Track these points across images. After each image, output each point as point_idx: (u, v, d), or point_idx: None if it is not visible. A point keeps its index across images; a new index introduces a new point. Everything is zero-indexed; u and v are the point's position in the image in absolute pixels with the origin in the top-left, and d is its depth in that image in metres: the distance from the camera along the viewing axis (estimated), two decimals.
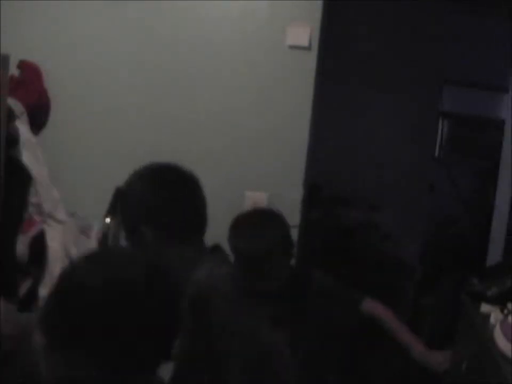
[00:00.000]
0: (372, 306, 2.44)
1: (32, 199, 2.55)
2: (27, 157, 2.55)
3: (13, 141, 2.46)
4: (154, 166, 1.89)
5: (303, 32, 2.90)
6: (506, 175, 2.93)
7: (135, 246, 1.79)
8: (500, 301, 2.24)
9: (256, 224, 2.37)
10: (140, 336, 1.22)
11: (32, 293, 2.47)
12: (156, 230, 1.74)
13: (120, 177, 3.08)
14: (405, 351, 2.37)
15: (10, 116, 2.46)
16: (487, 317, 2.22)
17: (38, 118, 2.83)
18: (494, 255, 2.93)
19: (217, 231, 3.07)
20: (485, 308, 2.30)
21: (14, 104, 2.61)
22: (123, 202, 1.88)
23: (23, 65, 2.85)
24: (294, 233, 2.71)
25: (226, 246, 3.07)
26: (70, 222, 2.54)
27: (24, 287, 2.53)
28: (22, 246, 2.39)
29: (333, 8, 3.03)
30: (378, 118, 4.59)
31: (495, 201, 3.02)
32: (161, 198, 1.77)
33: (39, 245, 2.50)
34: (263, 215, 2.44)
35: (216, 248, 1.93)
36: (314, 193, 3.94)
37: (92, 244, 2.60)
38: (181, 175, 1.88)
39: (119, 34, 3.02)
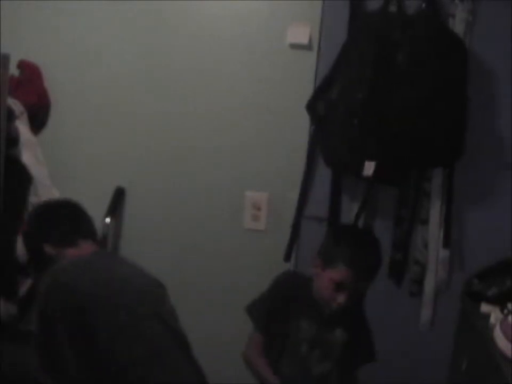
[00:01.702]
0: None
1: (32, 199, 2.55)
2: (27, 157, 2.55)
3: (13, 141, 2.46)
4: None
5: (304, 31, 2.89)
6: None
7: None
8: (500, 301, 2.24)
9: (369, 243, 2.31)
10: None
11: (32, 293, 2.47)
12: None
13: (120, 177, 3.11)
14: None
15: (10, 115, 2.46)
16: (487, 317, 2.22)
17: (38, 118, 2.84)
18: None
19: (217, 231, 3.09)
20: (485, 308, 2.30)
21: (14, 104, 2.61)
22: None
23: (23, 65, 2.85)
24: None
25: (227, 244, 3.07)
26: None
27: (24, 287, 2.53)
28: (22, 246, 2.40)
29: (333, 8, 3.02)
30: None
31: None
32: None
33: None
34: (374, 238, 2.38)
35: None
36: None
37: None
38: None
39: (119, 34, 3.01)
